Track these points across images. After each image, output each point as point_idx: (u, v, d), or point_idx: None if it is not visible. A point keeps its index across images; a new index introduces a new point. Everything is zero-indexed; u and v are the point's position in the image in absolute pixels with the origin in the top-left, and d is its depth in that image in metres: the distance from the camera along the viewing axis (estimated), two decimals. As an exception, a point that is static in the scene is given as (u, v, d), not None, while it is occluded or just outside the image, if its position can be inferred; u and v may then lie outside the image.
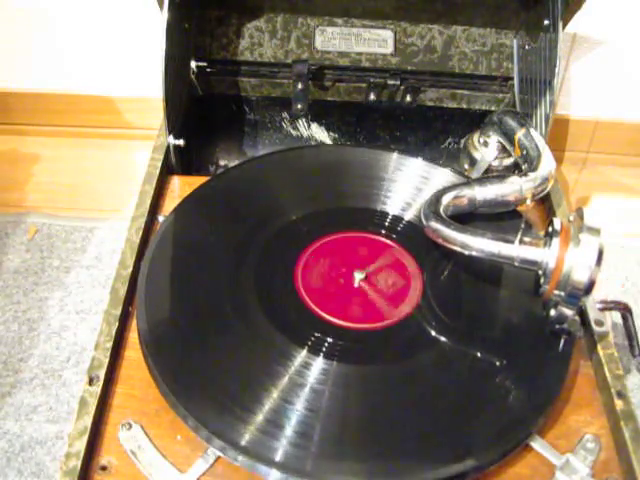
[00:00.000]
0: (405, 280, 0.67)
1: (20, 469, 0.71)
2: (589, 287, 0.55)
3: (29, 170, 1.08)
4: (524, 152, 0.71)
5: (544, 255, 0.59)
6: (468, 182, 0.70)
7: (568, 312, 0.58)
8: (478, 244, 0.61)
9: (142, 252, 0.68)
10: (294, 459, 0.52)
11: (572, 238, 0.56)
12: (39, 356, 0.81)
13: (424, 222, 0.66)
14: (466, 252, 0.62)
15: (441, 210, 0.66)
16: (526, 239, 0.60)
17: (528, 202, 0.68)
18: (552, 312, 0.59)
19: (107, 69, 1.07)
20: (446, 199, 0.67)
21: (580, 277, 0.55)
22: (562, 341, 0.61)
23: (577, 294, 0.56)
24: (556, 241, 0.57)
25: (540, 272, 0.59)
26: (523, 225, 0.60)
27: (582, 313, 0.65)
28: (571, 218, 0.59)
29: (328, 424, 0.54)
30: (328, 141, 0.98)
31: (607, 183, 1.10)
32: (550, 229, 0.59)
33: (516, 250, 0.60)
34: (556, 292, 0.57)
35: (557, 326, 0.60)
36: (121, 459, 0.54)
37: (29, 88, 1.09)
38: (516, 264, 0.60)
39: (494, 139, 0.78)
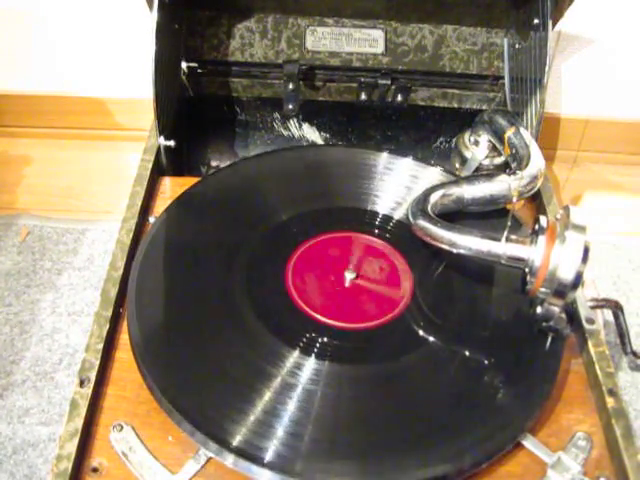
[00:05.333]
0: (395, 279, 0.67)
1: (12, 472, 0.70)
2: (575, 284, 0.55)
3: (20, 172, 1.07)
4: (513, 151, 0.72)
5: (530, 253, 0.59)
6: (456, 180, 0.70)
7: (554, 309, 0.58)
8: (465, 242, 0.61)
9: (133, 253, 0.68)
10: (285, 459, 0.52)
11: (558, 235, 0.56)
12: (31, 358, 0.81)
13: (411, 220, 0.66)
14: (454, 250, 0.62)
15: (429, 208, 0.66)
16: (513, 237, 0.60)
17: (514, 200, 0.69)
18: (538, 309, 0.59)
19: (98, 71, 1.06)
20: (434, 197, 0.67)
21: (566, 274, 0.55)
22: (550, 339, 0.61)
23: (563, 291, 0.56)
24: (542, 239, 0.58)
25: (527, 270, 0.59)
26: (510, 223, 0.61)
27: (573, 311, 0.65)
28: (558, 216, 0.59)
29: (319, 424, 0.54)
30: (320, 141, 0.98)
31: (598, 181, 1.10)
32: (536, 227, 0.59)
33: (503, 248, 0.60)
34: (542, 289, 0.57)
35: (544, 324, 0.60)
36: (112, 461, 0.54)
37: (20, 90, 1.09)
38: (503, 262, 0.60)
39: (485, 138, 0.78)
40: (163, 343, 0.60)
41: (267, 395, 0.55)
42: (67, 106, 1.09)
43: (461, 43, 0.92)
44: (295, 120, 0.97)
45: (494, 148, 0.78)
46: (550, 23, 0.79)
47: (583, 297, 0.66)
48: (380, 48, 0.93)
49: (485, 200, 0.69)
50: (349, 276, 0.66)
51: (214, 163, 0.97)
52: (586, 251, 0.55)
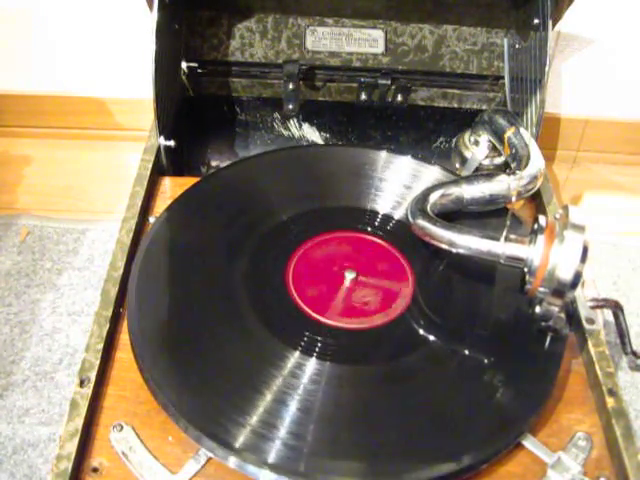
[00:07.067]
0: (396, 279, 0.67)
1: (12, 472, 0.70)
2: (573, 284, 0.55)
3: (20, 172, 1.07)
4: (513, 151, 0.72)
5: (529, 252, 0.59)
6: (456, 180, 0.70)
7: (553, 309, 0.58)
8: (464, 241, 0.61)
9: (133, 253, 0.68)
10: (286, 459, 0.52)
11: (557, 235, 0.56)
12: (31, 358, 0.81)
13: (411, 220, 0.66)
14: (453, 250, 0.62)
15: (428, 208, 0.66)
16: (512, 236, 0.60)
17: (513, 199, 0.69)
18: (537, 309, 0.59)
19: (98, 70, 1.06)
20: (433, 197, 0.67)
21: (564, 274, 0.55)
22: (549, 338, 0.61)
23: (562, 291, 0.56)
24: (541, 238, 0.58)
25: (526, 269, 0.59)
26: (509, 222, 0.61)
27: (573, 311, 0.65)
28: (557, 215, 0.59)
29: (321, 424, 0.54)
30: (320, 141, 0.98)
31: (598, 181, 1.10)
32: (536, 226, 0.59)
33: (502, 247, 0.60)
34: (541, 289, 0.57)
35: (543, 323, 0.60)
36: (112, 461, 0.54)
37: (20, 90, 1.09)
38: (502, 261, 0.60)
39: (485, 138, 0.78)
40: (163, 343, 0.60)
41: (268, 395, 0.55)
42: (67, 106, 1.09)
43: (461, 43, 0.92)
44: (295, 120, 0.97)
45: (494, 148, 0.78)
46: (550, 23, 0.79)
47: (583, 297, 0.66)
48: (380, 48, 0.93)
49: (484, 200, 0.69)
50: (349, 276, 0.66)
51: (214, 163, 0.97)
52: (585, 250, 0.55)
